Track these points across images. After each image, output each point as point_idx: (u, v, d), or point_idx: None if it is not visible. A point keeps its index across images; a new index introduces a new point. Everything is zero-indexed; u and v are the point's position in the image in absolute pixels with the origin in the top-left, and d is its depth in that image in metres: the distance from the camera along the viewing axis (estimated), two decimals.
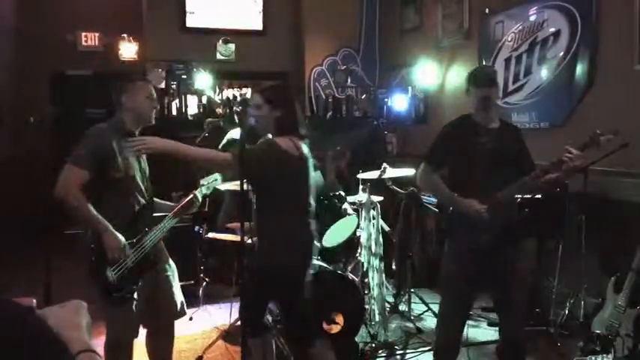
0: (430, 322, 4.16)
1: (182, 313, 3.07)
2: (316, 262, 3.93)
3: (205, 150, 2.89)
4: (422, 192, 4.14)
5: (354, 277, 3.96)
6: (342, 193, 4.12)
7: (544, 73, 4.73)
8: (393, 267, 4.62)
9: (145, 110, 2.89)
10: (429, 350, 3.64)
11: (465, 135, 2.89)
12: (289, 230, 2.78)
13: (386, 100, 6.89)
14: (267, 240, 2.78)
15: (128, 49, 6.56)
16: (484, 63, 5.41)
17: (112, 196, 2.76)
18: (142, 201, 2.88)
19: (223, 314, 4.38)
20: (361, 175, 4.24)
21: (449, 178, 2.95)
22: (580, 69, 4.38)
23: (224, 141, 4.53)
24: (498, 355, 3.07)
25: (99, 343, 2.79)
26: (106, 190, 2.75)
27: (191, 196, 3.04)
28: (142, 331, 2.99)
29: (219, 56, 6.87)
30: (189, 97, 6.52)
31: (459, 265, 2.92)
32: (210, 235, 4.57)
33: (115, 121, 2.87)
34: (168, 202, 3.12)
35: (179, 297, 3.04)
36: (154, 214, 2.95)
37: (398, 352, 3.81)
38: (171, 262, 3.05)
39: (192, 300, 4.76)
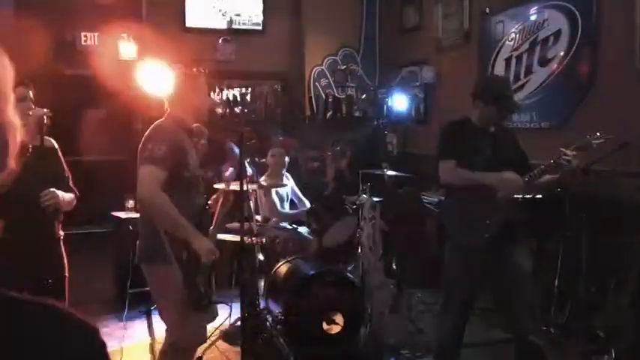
0: (430, 322, 4.15)
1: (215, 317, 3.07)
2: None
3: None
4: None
5: (354, 277, 3.96)
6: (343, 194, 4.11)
7: (545, 72, 4.72)
8: (394, 267, 4.61)
9: (199, 105, 2.76)
10: (429, 350, 3.63)
11: (466, 138, 2.93)
12: None
13: (386, 100, 6.88)
14: None
15: (128, 49, 6.53)
16: (484, 63, 5.41)
17: (182, 196, 2.51)
18: (203, 200, 2.77)
19: (223, 314, 4.36)
20: (361, 175, 4.24)
21: None
22: (581, 68, 4.37)
23: None
24: None
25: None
26: (177, 190, 2.50)
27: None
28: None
29: (219, 56, 6.86)
30: None
31: (460, 265, 2.93)
32: None
33: (175, 117, 2.66)
34: None
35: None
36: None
37: (398, 352, 3.80)
38: None
39: None
